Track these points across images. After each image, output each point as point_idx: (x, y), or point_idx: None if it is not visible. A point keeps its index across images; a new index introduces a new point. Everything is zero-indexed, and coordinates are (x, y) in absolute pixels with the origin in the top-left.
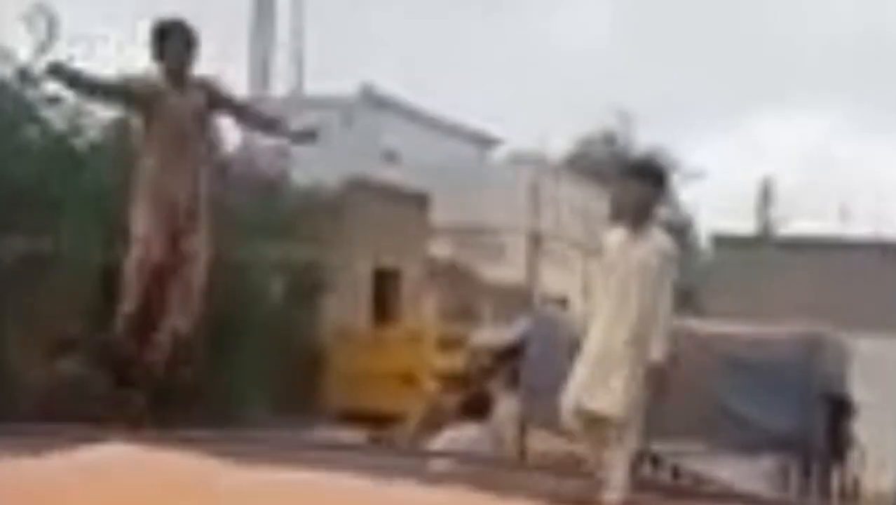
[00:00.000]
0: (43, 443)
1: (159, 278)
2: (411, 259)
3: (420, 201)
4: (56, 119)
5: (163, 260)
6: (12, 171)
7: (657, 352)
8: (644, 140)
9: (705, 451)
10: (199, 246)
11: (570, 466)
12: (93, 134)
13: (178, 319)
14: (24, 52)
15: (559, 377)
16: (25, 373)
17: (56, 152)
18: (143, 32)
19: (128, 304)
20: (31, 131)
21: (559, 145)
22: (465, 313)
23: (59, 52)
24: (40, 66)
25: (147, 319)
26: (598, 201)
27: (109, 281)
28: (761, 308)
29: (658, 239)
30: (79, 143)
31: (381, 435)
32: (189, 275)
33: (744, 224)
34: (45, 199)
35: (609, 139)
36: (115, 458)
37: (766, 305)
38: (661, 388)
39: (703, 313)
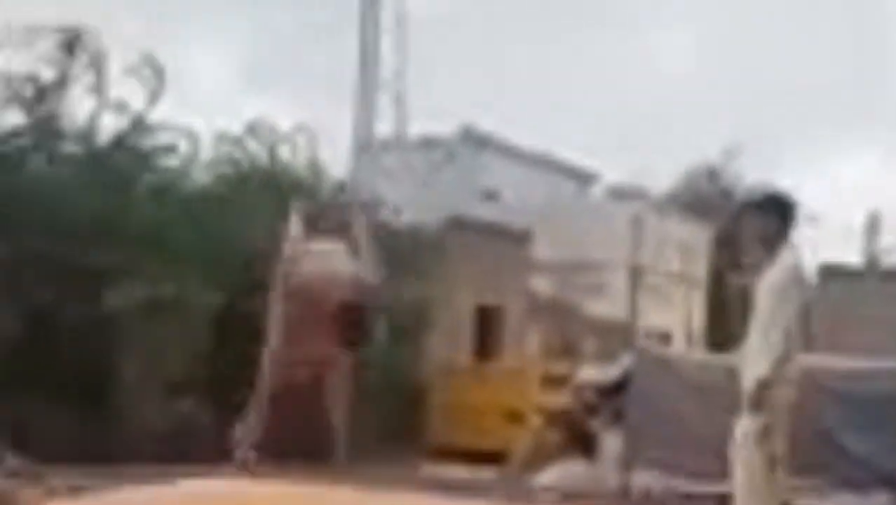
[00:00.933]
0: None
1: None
2: (513, 296)
3: (521, 238)
4: (169, 168)
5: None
6: (130, 219)
7: (762, 367)
8: (749, 174)
9: (816, 486)
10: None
11: (671, 502)
12: (203, 182)
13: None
14: (135, 103)
15: (664, 414)
16: (144, 413)
17: (170, 200)
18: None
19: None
20: (148, 180)
21: (660, 179)
22: (567, 349)
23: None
24: (151, 115)
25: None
26: (699, 236)
27: (223, 325)
28: (869, 341)
29: (783, 257)
30: (190, 190)
31: (504, 471)
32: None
33: (850, 256)
34: (162, 245)
35: (713, 174)
36: (218, 487)
37: (874, 338)
38: (756, 405)
39: (813, 347)
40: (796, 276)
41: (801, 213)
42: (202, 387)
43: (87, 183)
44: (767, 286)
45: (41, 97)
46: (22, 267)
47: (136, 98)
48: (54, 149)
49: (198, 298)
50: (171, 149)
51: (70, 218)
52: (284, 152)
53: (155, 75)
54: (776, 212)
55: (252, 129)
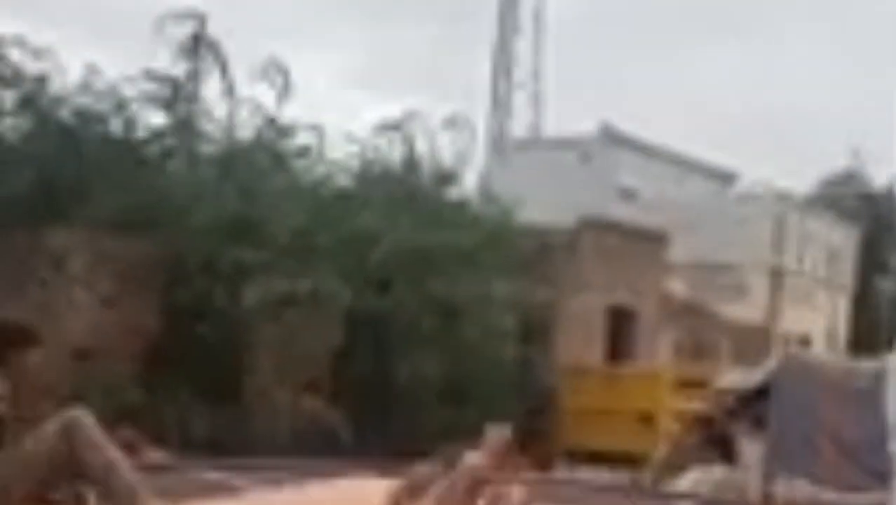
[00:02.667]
0: (300, 477)
1: None
2: (648, 297)
3: (657, 238)
4: (304, 169)
5: None
6: (267, 218)
7: None
8: (880, 178)
9: None
10: None
11: None
12: (340, 182)
13: None
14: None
15: (810, 421)
16: (276, 408)
17: (305, 200)
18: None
19: None
20: (282, 180)
21: (802, 180)
22: (703, 352)
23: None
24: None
25: None
26: (845, 238)
27: (355, 324)
28: None
29: None
30: (325, 191)
31: (641, 476)
32: None
33: None
34: (299, 244)
35: (852, 178)
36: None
37: None
38: None
39: None
40: None
41: None
42: (334, 385)
43: (225, 182)
44: None
45: (176, 96)
46: (164, 265)
47: (265, 99)
48: (194, 149)
49: (330, 296)
50: (304, 150)
51: (210, 217)
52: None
53: (282, 77)
54: None
55: (409, 117)
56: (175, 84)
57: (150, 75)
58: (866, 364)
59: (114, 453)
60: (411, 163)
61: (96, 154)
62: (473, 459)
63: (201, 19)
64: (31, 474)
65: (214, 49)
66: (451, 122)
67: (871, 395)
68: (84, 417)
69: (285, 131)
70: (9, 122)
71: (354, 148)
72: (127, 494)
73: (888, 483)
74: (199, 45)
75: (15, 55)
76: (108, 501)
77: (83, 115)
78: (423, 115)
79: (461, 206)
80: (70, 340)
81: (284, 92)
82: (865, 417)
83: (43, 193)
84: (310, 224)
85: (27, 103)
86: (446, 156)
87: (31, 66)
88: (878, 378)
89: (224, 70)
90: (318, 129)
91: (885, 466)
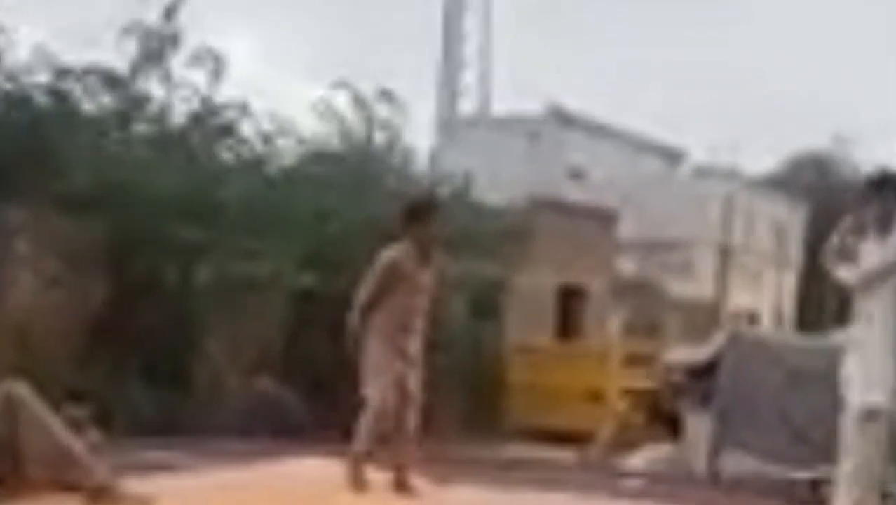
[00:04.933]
0: (249, 457)
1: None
2: (597, 276)
3: (606, 217)
4: (251, 143)
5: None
6: (212, 194)
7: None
8: (862, 159)
9: None
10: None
11: (762, 487)
12: (287, 160)
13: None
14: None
15: (757, 398)
16: (226, 388)
17: (254, 178)
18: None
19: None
20: (227, 155)
21: (754, 158)
22: (652, 330)
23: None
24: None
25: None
26: (794, 216)
27: (306, 305)
28: None
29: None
30: (275, 166)
31: (587, 454)
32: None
33: None
34: (247, 222)
35: (820, 161)
36: (309, 469)
37: None
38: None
39: None
40: None
41: None
42: (287, 365)
43: (163, 161)
44: (881, 269)
45: (118, 79)
46: (112, 245)
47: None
48: (136, 129)
49: (281, 276)
50: (232, 129)
51: (156, 195)
52: (367, 127)
53: (216, 62)
54: (892, 192)
55: (339, 86)
56: (114, 71)
57: (93, 68)
58: (813, 341)
59: (60, 432)
60: (364, 141)
61: (42, 133)
62: None
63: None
64: None
65: (156, 34)
66: (385, 97)
67: (818, 371)
68: (24, 393)
69: (219, 110)
70: None
71: (303, 128)
72: (82, 472)
73: (834, 458)
74: (141, 29)
75: None
76: (61, 478)
77: (29, 94)
78: (354, 88)
79: (414, 184)
80: (14, 320)
81: (220, 72)
82: (811, 392)
83: None
84: (260, 202)
85: None
86: (380, 134)
87: None
88: (825, 354)
89: (161, 56)
90: (247, 106)
91: (831, 441)
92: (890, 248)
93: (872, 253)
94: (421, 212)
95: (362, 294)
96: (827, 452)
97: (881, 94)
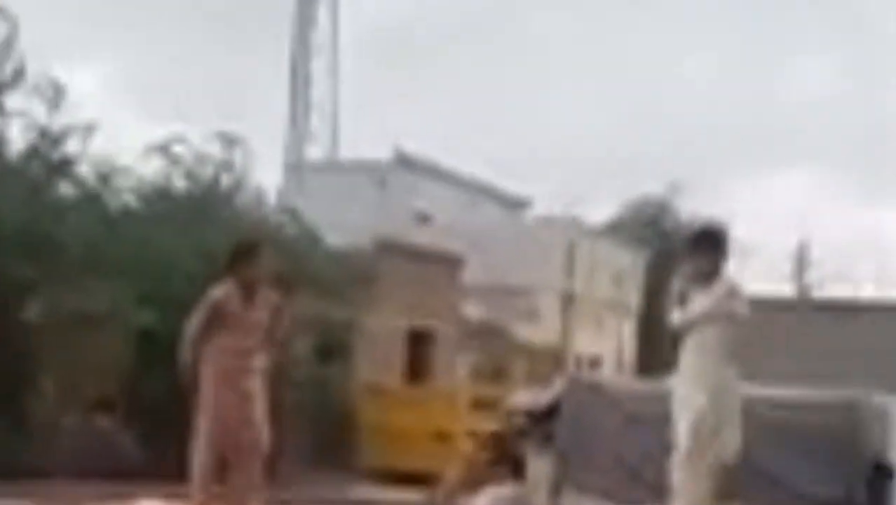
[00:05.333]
0: (80, 497)
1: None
2: (445, 319)
3: (453, 261)
4: (89, 177)
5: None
6: (48, 229)
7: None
8: (687, 207)
9: None
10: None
11: None
12: (128, 197)
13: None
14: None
15: (595, 440)
16: (61, 427)
17: (94, 213)
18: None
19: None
20: (65, 188)
21: (596, 207)
22: (499, 373)
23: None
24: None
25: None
26: (633, 264)
27: (146, 344)
28: (800, 371)
29: (715, 290)
30: (114, 204)
31: (434, 495)
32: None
33: (780, 287)
34: (85, 258)
35: (659, 206)
36: None
37: (804, 368)
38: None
39: (746, 376)
40: (728, 307)
41: (735, 245)
42: (128, 404)
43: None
44: (700, 317)
45: None
46: None
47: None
48: None
49: (120, 314)
50: (71, 162)
51: None
52: (208, 168)
53: (54, 91)
54: (710, 249)
55: (175, 141)
56: None
57: None
58: (646, 385)
59: None
60: (208, 181)
61: None
62: None
63: None
64: None
65: None
66: (225, 140)
67: (653, 414)
68: None
69: (55, 140)
70: None
71: (146, 167)
72: None
73: (667, 498)
74: None
75: None
76: None
77: None
78: (191, 135)
79: (258, 225)
80: None
81: (56, 104)
82: (644, 434)
83: None
84: (101, 239)
85: None
86: (225, 176)
87: None
88: (660, 398)
89: None
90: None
91: (664, 481)
92: (711, 297)
93: (698, 302)
94: (246, 252)
95: (188, 332)
96: (661, 490)
97: (712, 140)
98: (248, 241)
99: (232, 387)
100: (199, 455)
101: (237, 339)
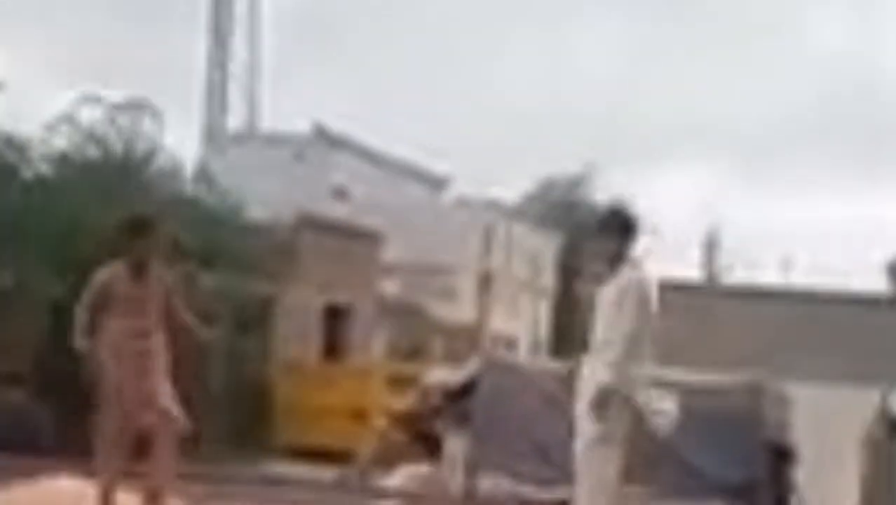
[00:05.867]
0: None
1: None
2: (362, 296)
3: (372, 238)
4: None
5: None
6: None
7: (604, 374)
8: (603, 185)
9: (653, 494)
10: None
11: None
12: (41, 167)
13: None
14: None
15: (509, 420)
16: None
17: (2, 183)
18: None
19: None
20: None
21: (512, 188)
22: (415, 351)
23: None
24: None
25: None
26: (548, 246)
27: (58, 316)
28: (705, 356)
29: (623, 273)
30: (27, 175)
31: (348, 472)
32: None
33: (689, 271)
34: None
35: (573, 183)
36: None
37: (709, 353)
38: (598, 413)
39: (656, 360)
40: (637, 291)
41: (643, 227)
42: (41, 377)
43: None
44: (606, 301)
45: None
46: None
47: None
48: None
49: (31, 287)
50: None
51: None
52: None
53: None
54: (617, 230)
55: (86, 101)
56: None
57: None
58: (556, 366)
59: None
60: (121, 151)
61: None
62: None
63: None
64: None
65: None
66: (134, 106)
67: (560, 395)
68: None
69: None
70: None
71: (57, 136)
72: None
73: (573, 479)
74: None
75: None
76: None
77: None
78: (99, 99)
79: (179, 196)
80: None
81: None
82: (555, 416)
83: None
84: (10, 210)
85: None
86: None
87: None
88: (565, 380)
89: None
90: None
91: (571, 463)
92: (614, 287)
93: (607, 289)
94: (135, 228)
95: (77, 318)
96: (570, 472)
97: (632, 118)
98: (138, 218)
99: (130, 368)
100: (102, 438)
101: (131, 320)
